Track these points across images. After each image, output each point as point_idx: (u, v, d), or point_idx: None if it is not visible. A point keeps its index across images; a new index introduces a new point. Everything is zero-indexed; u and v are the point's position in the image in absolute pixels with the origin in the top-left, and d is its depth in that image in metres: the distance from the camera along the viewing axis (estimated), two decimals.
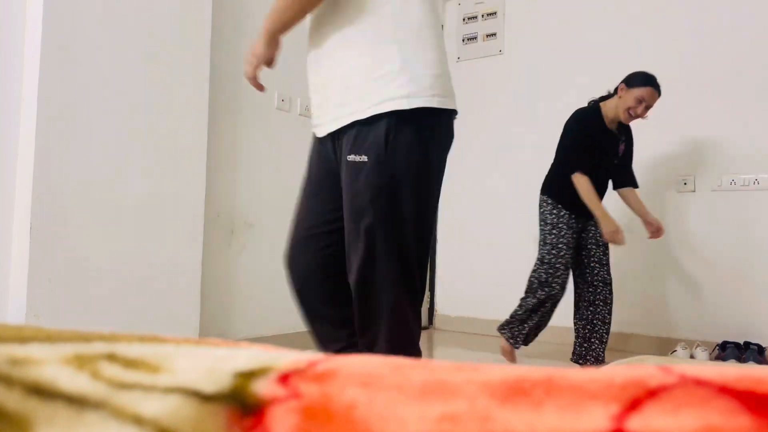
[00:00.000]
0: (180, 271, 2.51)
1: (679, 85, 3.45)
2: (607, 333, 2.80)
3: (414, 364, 0.34)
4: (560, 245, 2.80)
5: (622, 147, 2.85)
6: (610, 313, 2.82)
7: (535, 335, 2.90)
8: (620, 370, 0.31)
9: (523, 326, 2.84)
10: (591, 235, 2.87)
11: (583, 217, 2.83)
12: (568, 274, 2.82)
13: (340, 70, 1.37)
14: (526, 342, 2.88)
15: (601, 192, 2.83)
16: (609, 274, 2.85)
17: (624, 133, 2.87)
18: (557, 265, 2.79)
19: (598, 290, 2.79)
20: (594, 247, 2.85)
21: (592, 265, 2.83)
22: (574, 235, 2.82)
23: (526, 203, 3.96)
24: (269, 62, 1.47)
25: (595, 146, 2.75)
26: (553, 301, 2.84)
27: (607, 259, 2.85)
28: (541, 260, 2.82)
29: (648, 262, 3.52)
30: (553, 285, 2.79)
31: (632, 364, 0.43)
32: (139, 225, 2.37)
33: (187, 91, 2.54)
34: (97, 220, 2.23)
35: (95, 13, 2.24)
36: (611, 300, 2.83)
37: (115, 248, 2.28)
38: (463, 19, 4.37)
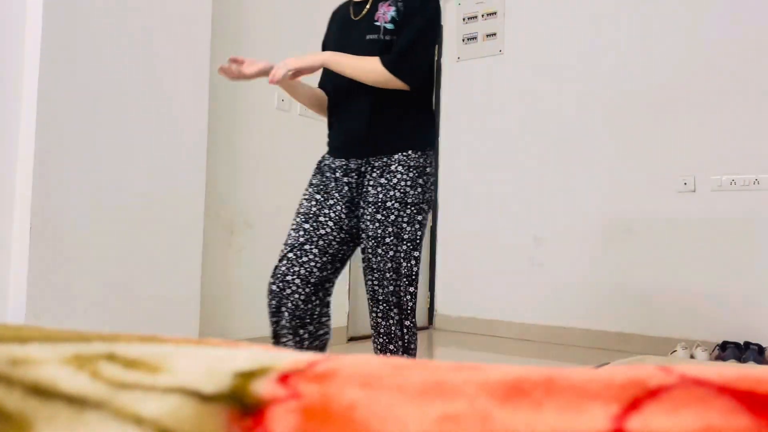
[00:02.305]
0: (180, 271, 2.51)
1: (680, 85, 3.45)
2: None
3: (414, 364, 0.34)
4: (299, 207, 1.69)
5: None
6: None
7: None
8: (620, 370, 0.31)
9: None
10: (368, 202, 1.59)
11: (347, 151, 1.66)
12: (300, 258, 1.59)
13: None
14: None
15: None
16: (394, 286, 1.54)
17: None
18: (284, 247, 1.63)
19: (372, 311, 1.60)
20: (369, 223, 1.59)
21: (364, 267, 1.62)
22: (327, 196, 1.64)
23: (526, 203, 3.96)
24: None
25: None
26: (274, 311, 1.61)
27: (394, 255, 1.54)
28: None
29: (648, 261, 3.52)
30: (275, 273, 1.62)
31: (632, 364, 0.43)
32: (139, 225, 2.37)
33: (187, 91, 2.54)
34: (96, 220, 2.23)
35: (95, 13, 2.24)
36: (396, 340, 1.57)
37: (115, 248, 2.28)
38: (463, 19, 4.37)
